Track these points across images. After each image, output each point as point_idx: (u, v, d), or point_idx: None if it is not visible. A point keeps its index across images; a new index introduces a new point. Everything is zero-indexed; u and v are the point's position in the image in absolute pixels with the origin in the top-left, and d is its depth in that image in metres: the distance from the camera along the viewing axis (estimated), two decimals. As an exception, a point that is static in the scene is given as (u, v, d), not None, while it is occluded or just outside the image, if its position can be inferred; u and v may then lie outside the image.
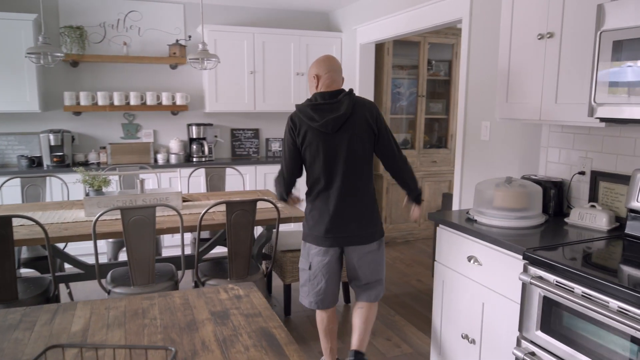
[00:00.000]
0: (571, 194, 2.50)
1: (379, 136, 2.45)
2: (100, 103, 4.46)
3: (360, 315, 2.59)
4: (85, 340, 1.30)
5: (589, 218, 2.25)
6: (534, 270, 1.89)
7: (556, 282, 1.79)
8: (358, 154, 2.41)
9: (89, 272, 3.19)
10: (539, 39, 2.24)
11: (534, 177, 2.59)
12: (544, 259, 1.84)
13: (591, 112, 1.94)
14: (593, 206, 2.29)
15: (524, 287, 1.94)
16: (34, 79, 4.18)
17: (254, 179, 4.87)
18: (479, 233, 2.20)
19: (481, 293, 2.23)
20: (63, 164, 4.36)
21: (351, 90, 2.46)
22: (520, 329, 1.98)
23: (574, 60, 2.10)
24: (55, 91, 4.52)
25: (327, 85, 2.45)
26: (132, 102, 4.56)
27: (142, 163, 4.57)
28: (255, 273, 3.01)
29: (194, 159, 4.81)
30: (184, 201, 3.42)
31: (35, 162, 4.37)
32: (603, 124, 2.00)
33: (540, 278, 1.85)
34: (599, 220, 2.22)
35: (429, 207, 5.43)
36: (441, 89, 5.57)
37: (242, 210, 2.78)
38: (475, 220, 2.37)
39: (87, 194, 3.14)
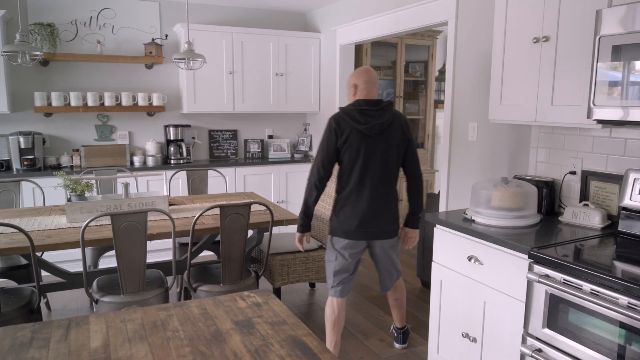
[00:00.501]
0: (562, 193, 2.58)
1: (408, 145, 2.72)
2: (73, 104, 4.28)
3: (393, 298, 3.05)
4: (108, 356, 1.24)
5: (583, 216, 2.33)
6: (539, 269, 1.93)
7: (564, 280, 1.83)
8: (392, 159, 2.67)
9: (71, 281, 3.07)
10: (535, 42, 2.30)
11: (525, 177, 2.66)
12: (552, 257, 1.88)
13: (590, 114, 2.00)
14: (586, 205, 2.36)
15: (530, 285, 1.98)
16: (2, 79, 3.97)
17: (233, 181, 4.79)
18: (481, 233, 2.23)
19: (482, 292, 2.26)
20: (34, 168, 4.16)
21: (391, 101, 2.74)
22: (525, 327, 2.02)
23: (570, 63, 2.16)
24: (24, 91, 4.31)
25: (365, 95, 2.67)
26: (107, 102, 4.40)
27: (118, 166, 4.42)
28: (247, 277, 2.96)
29: (172, 161, 4.69)
30: (169, 205, 3.33)
31: (3, 166, 4.15)
32: (600, 126, 2.07)
33: (547, 276, 1.89)
34: (592, 219, 2.29)
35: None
36: (417, 90, 5.65)
37: (236, 214, 2.73)
38: (473, 220, 2.41)
39: (69, 199, 3.00)
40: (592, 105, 1.98)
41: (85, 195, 3.04)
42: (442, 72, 5.76)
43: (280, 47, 4.94)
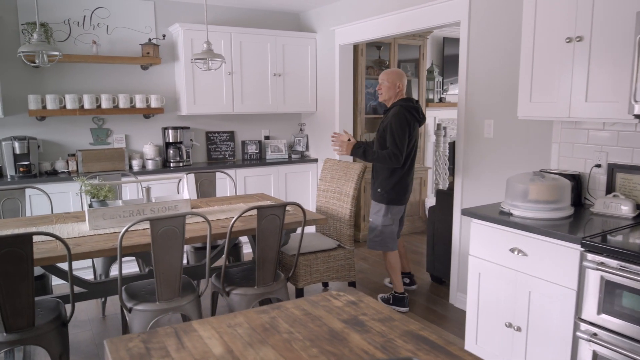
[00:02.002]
0: (589, 185, 2.70)
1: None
2: (69, 106, 4.12)
3: (401, 245, 3.96)
4: (238, 361, 1.22)
5: (614, 207, 2.45)
6: (593, 257, 2.03)
7: (620, 266, 1.93)
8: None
9: (92, 290, 2.96)
10: (568, 42, 2.40)
11: (550, 171, 2.77)
12: (607, 245, 1.98)
13: (631, 109, 2.11)
14: (616, 195, 2.49)
15: (583, 272, 2.07)
16: (-5, 81, 3.78)
17: (234, 183, 4.73)
18: (525, 225, 2.32)
19: (527, 282, 2.35)
20: (30, 174, 3.98)
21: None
22: (577, 313, 2.12)
23: (605, 61, 2.27)
24: (16, 94, 4.11)
25: (405, 93, 3.51)
26: (104, 105, 4.25)
27: (117, 170, 4.28)
28: (278, 279, 2.94)
29: (172, 164, 4.59)
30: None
31: (-4, 173, 3.95)
32: (637, 121, 2.19)
33: (602, 263, 1.99)
34: (623, 208, 2.42)
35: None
36: (409, 89, 5.74)
37: (272, 215, 2.71)
38: (511, 214, 2.50)
39: (89, 205, 2.89)
40: (633, 101, 2.10)
41: (106, 201, 2.94)
42: (430, 71, 5.89)
43: (277, 47, 4.92)
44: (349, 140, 3.55)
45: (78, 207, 4.03)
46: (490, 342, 2.59)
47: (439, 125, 6.06)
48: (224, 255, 2.78)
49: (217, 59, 3.13)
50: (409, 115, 3.33)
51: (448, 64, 6.11)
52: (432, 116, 6.07)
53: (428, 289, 4.05)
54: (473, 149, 3.45)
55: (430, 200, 5.69)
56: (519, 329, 2.41)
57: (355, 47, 5.01)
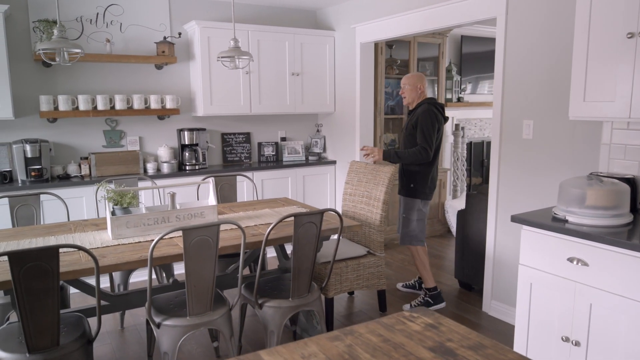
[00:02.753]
0: (647, 189, 2.55)
1: None
2: (82, 107, 3.95)
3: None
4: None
5: (678, 213, 2.30)
6: (670, 270, 1.87)
7: None
8: None
9: (114, 303, 2.79)
10: (629, 37, 2.25)
11: (602, 174, 2.62)
12: (688, 258, 1.83)
13: None
14: (679, 201, 2.34)
15: (657, 287, 1.92)
16: (6, 81, 3.59)
17: (252, 186, 4.57)
18: (586, 234, 2.17)
19: (588, 294, 2.19)
20: (42, 179, 3.80)
21: None
22: (649, 329, 1.96)
23: (673, 58, 2.12)
24: (26, 95, 3.94)
25: (426, 94, 3.67)
26: (118, 106, 4.08)
27: (131, 174, 4.11)
28: (313, 290, 2.78)
29: (187, 167, 4.42)
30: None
31: (7, 178, 3.77)
32: None
33: (682, 277, 1.84)
34: (688, 215, 2.27)
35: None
36: (429, 89, 5.59)
37: (309, 222, 2.55)
38: (567, 220, 2.34)
39: (112, 213, 2.72)
40: None
41: (130, 209, 2.77)
42: (448, 70, 5.74)
43: (295, 45, 4.76)
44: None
45: (92, 213, 3.86)
46: (543, 356, 2.44)
47: (457, 126, 5.91)
48: (257, 266, 2.61)
49: (244, 57, 2.96)
50: (437, 111, 3.52)
51: (466, 62, 5.96)
52: (451, 116, 5.91)
53: (457, 295, 3.90)
54: (510, 150, 3.30)
55: (451, 203, 5.54)
56: (577, 344, 2.26)
57: (375, 45, 4.86)
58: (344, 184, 3.76)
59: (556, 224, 2.32)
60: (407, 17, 3.98)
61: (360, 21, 4.54)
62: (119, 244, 2.59)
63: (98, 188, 2.90)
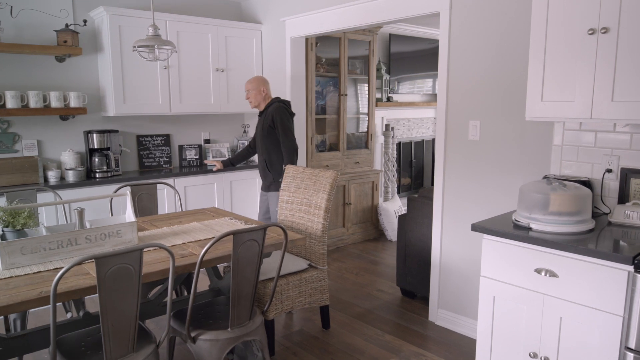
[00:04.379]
0: (603, 192, 2.48)
1: None
2: (-39, 106, 3.27)
3: None
4: None
5: (636, 216, 2.24)
6: (648, 280, 1.76)
7: (686, 291, 1.68)
8: None
9: (9, 347, 2.25)
10: (590, 34, 2.14)
11: (557, 177, 2.52)
12: (670, 268, 1.72)
13: (674, 109, 1.88)
14: (636, 204, 2.28)
15: (632, 296, 1.80)
16: None
17: (172, 194, 4.09)
18: (556, 243, 2.02)
19: (558, 307, 2.05)
20: None
21: None
22: (625, 342, 1.85)
23: (636, 56, 2.03)
24: None
25: (270, 95, 3.84)
26: (10, 104, 3.44)
27: (28, 185, 3.49)
28: (254, 316, 2.42)
29: (97, 175, 3.85)
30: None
31: None
32: (674, 122, 1.96)
33: (663, 288, 1.73)
34: (646, 218, 2.21)
35: (357, 208, 5.23)
36: (359, 87, 5.40)
37: (250, 240, 2.19)
38: (530, 228, 2.19)
39: (1, 237, 2.18)
40: (677, 100, 1.86)
41: (25, 230, 2.25)
42: (377, 69, 5.59)
43: (220, 38, 4.34)
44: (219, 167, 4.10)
45: (-22, 233, 3.19)
46: (508, 374, 2.28)
47: (387, 126, 5.78)
48: (190, 294, 2.20)
49: (166, 47, 2.53)
50: (286, 108, 3.71)
51: (395, 61, 5.85)
52: (380, 116, 5.78)
53: (399, 304, 3.71)
54: (455, 153, 3.15)
55: (384, 206, 5.39)
56: (547, 360, 2.12)
57: (305, 41, 4.56)
58: (280, 191, 3.42)
59: (520, 232, 2.17)
60: (344, 10, 3.73)
61: (291, 14, 4.23)
62: (12, 277, 2.07)
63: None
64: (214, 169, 4.13)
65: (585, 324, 1.98)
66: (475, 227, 2.32)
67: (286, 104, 3.74)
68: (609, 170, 2.44)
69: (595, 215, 2.42)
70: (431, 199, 3.48)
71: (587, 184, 2.45)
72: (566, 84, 2.25)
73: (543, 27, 2.30)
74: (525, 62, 2.72)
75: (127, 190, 2.56)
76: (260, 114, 3.80)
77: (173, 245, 2.48)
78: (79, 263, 1.77)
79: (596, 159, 2.49)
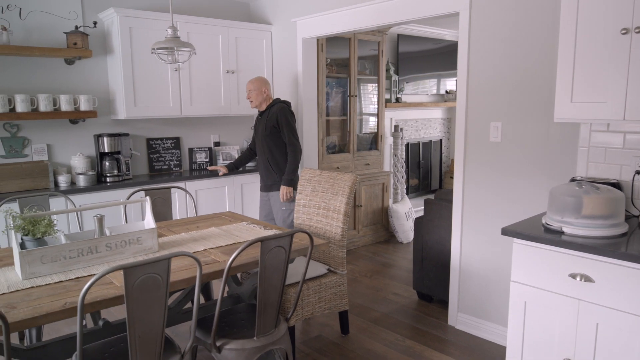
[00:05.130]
0: (634, 194, 2.43)
1: None
2: (-29, 111, 3.20)
3: None
4: None
5: (670, 219, 2.19)
6: (694, 286, 1.71)
7: None
8: None
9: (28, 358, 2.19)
10: (623, 33, 2.09)
11: (584, 179, 2.48)
12: None
13: None
14: (669, 206, 2.23)
15: (679, 305, 1.76)
16: None
17: (184, 198, 4.03)
18: (592, 247, 1.97)
19: (594, 312, 2.00)
20: None
21: None
22: (669, 351, 1.80)
23: (672, 56, 1.99)
24: None
25: (272, 95, 3.85)
26: (20, 108, 3.38)
27: (40, 190, 3.43)
28: (279, 324, 2.37)
29: (108, 179, 3.79)
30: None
31: None
32: None
33: None
34: (680, 221, 2.17)
35: (367, 210, 5.18)
36: (369, 88, 5.35)
37: (277, 247, 2.14)
38: (563, 232, 2.15)
39: (21, 245, 2.12)
40: None
41: (44, 238, 2.19)
42: (386, 70, 5.54)
43: (230, 40, 4.28)
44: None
45: (-11, 240, 3.14)
46: (540, 381, 2.23)
47: (396, 127, 5.74)
48: (217, 302, 2.15)
49: (185, 49, 2.48)
50: (290, 109, 3.75)
51: (403, 62, 5.81)
52: (389, 117, 5.74)
53: (417, 307, 3.66)
54: (475, 154, 3.10)
55: (394, 207, 5.35)
56: (582, 368, 2.07)
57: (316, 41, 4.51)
58: (297, 194, 3.37)
59: (553, 236, 2.12)
60: (358, 10, 3.68)
61: (302, 15, 4.18)
62: (33, 287, 2.01)
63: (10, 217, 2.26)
64: (220, 173, 4.09)
65: (623, 331, 1.93)
66: (506, 231, 2.27)
67: (288, 105, 3.77)
68: (639, 172, 2.40)
69: (626, 217, 2.38)
70: (449, 201, 3.43)
71: (616, 186, 2.40)
72: (597, 84, 2.21)
73: (573, 28, 2.25)
74: (550, 62, 2.68)
75: (147, 197, 2.50)
76: (261, 114, 3.80)
77: (194, 252, 2.42)
78: (107, 273, 1.71)
79: (625, 160, 2.45)
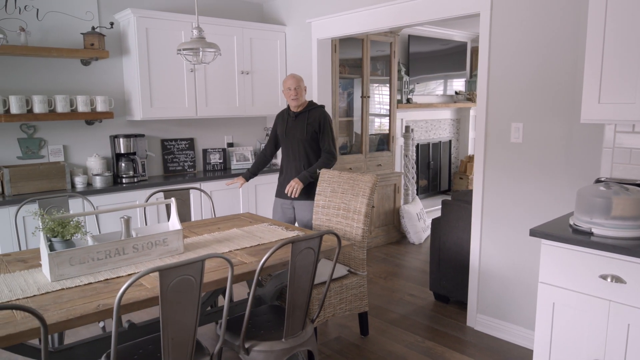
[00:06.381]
0: (659, 195, 2.43)
1: None
2: (-11, 112, 3.20)
3: None
4: None
5: (699, 220, 2.19)
6: None
7: None
8: None
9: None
10: (654, 34, 2.09)
11: (610, 179, 2.47)
12: None
13: None
14: (698, 207, 2.23)
15: None
16: None
17: (199, 198, 4.03)
18: (624, 248, 1.97)
19: (625, 314, 2.00)
20: (-63, 202, 3.01)
21: None
22: None
23: None
24: None
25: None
26: (37, 109, 3.37)
27: (57, 191, 3.42)
28: (306, 326, 2.37)
29: (124, 180, 3.78)
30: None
31: None
32: None
33: None
34: None
35: (379, 211, 5.18)
36: (381, 89, 5.35)
37: (307, 249, 2.13)
38: (592, 233, 2.14)
39: (50, 246, 2.12)
40: None
41: (72, 240, 2.18)
42: (397, 70, 5.54)
43: (245, 41, 4.28)
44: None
45: (9, 244, 3.13)
46: (569, 383, 2.23)
47: (407, 128, 5.73)
48: (248, 304, 2.14)
49: (210, 50, 2.47)
50: None
51: (413, 62, 5.81)
52: (400, 118, 5.73)
53: (434, 309, 3.66)
54: (496, 155, 3.10)
55: (406, 208, 5.34)
56: (613, 369, 2.06)
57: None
58: (316, 195, 3.36)
59: (582, 237, 2.11)
60: (374, 11, 3.68)
61: (316, 15, 4.17)
62: (63, 289, 2.01)
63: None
64: (239, 186, 3.82)
65: (656, 332, 1.93)
66: (535, 232, 2.26)
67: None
68: (666, 173, 2.40)
69: (651, 218, 2.37)
70: (466, 202, 3.43)
71: (643, 187, 2.40)
72: (625, 85, 2.20)
73: (601, 27, 2.25)
74: (573, 61, 2.68)
75: (173, 198, 2.50)
76: (296, 115, 3.48)
77: (221, 253, 2.42)
78: (144, 275, 1.71)
79: (651, 161, 2.45)
